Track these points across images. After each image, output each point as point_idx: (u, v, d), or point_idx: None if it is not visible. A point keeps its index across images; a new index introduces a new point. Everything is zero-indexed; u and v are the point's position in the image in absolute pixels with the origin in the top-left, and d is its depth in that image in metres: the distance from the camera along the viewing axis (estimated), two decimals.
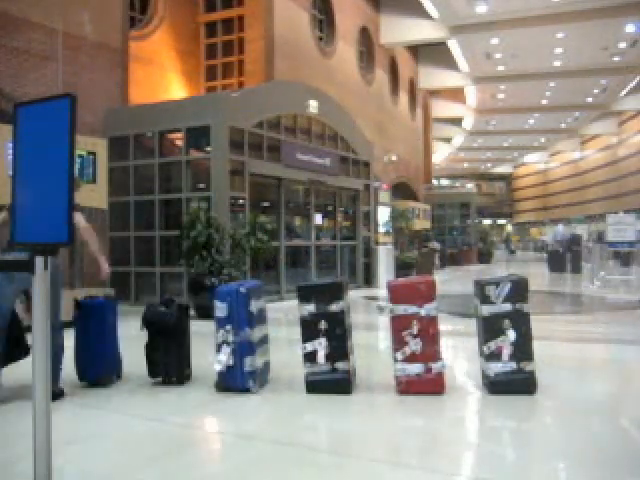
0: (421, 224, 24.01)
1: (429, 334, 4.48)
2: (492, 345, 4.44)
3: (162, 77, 14.74)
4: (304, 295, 4.59)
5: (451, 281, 17.57)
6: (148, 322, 4.79)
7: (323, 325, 4.52)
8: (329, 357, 4.51)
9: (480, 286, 4.53)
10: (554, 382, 4.91)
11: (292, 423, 4.00)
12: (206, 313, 8.02)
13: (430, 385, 4.48)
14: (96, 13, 11.18)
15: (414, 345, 4.46)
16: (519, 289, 4.47)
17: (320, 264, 13.66)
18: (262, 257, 10.73)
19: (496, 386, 4.44)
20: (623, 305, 11.16)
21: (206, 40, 16.19)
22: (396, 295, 4.55)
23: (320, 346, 4.50)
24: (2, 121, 7.71)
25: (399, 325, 4.51)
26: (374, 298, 12.51)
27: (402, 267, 15.83)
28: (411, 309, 4.48)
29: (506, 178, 66.13)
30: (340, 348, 4.53)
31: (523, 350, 4.42)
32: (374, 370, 5.71)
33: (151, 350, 4.80)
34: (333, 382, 4.52)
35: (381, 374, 5.18)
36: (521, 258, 37.76)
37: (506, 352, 4.41)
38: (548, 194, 56.76)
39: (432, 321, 4.50)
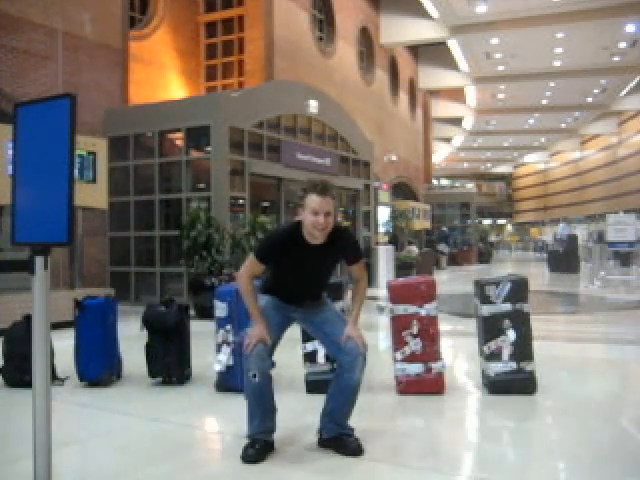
0: (421, 224, 24.01)
1: (429, 334, 4.48)
2: (492, 345, 4.44)
3: (162, 77, 14.75)
4: None
5: (451, 281, 17.57)
6: (148, 322, 4.79)
7: None
8: (329, 357, 4.50)
9: (480, 286, 4.53)
10: (554, 382, 4.91)
11: (292, 423, 3.99)
12: (206, 313, 8.02)
13: (430, 385, 4.47)
14: (96, 13, 11.19)
15: (414, 345, 4.46)
16: (519, 289, 4.47)
17: None
18: None
19: (496, 386, 4.44)
20: (623, 305, 11.16)
21: (206, 40, 16.20)
22: (396, 295, 4.55)
23: (320, 346, 4.50)
24: (2, 121, 7.71)
25: (399, 325, 4.51)
26: (374, 298, 12.49)
27: (402, 267, 15.82)
28: (411, 309, 4.48)
29: (506, 178, 66.09)
30: None
31: (523, 350, 4.42)
32: (374, 370, 5.70)
33: (151, 350, 4.80)
34: (325, 381, 4.51)
35: (381, 374, 5.18)
36: (521, 258, 37.76)
37: (506, 352, 4.41)
38: (548, 194, 56.75)
39: (432, 321, 4.50)
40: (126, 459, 3.33)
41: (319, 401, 4.39)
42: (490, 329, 4.47)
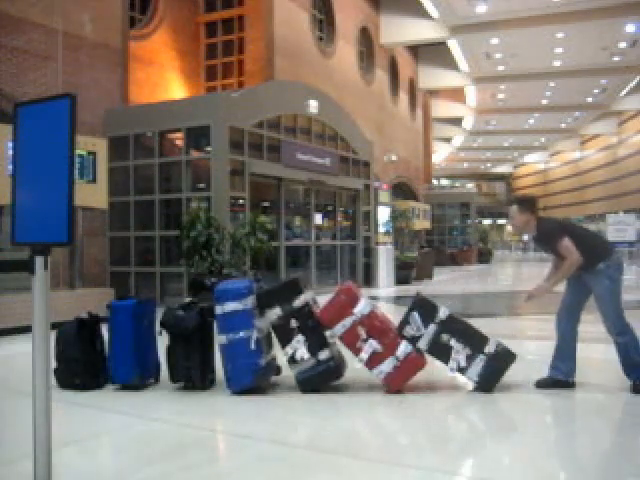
0: (421, 224, 24.00)
1: (377, 328, 4.52)
2: (459, 360, 4.51)
3: (162, 77, 14.74)
4: (266, 301, 4.60)
5: (451, 281, 17.57)
6: (165, 327, 4.68)
7: (294, 323, 4.55)
8: (310, 351, 4.52)
9: (400, 330, 4.59)
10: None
11: (292, 423, 4.00)
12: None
13: (411, 369, 4.50)
14: (96, 13, 11.18)
15: (370, 347, 4.47)
16: (425, 309, 4.59)
17: (320, 264, 13.65)
18: (262, 257, 10.73)
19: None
20: (623, 305, 11.12)
21: (206, 40, 16.19)
22: (328, 320, 4.56)
23: (299, 344, 4.52)
24: (2, 121, 7.70)
25: (350, 340, 4.53)
26: (374, 298, 12.52)
27: (402, 267, 15.81)
28: (348, 321, 4.50)
29: (506, 178, 66.07)
30: (317, 339, 4.55)
31: (480, 343, 4.53)
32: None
33: (172, 354, 4.69)
34: (322, 373, 4.52)
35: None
36: (521, 258, 37.76)
37: (478, 361, 4.49)
38: (548, 194, 56.73)
39: (371, 316, 4.53)
40: (126, 459, 3.33)
41: (318, 401, 4.40)
42: (442, 352, 4.54)
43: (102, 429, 3.85)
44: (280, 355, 4.98)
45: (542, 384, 4.61)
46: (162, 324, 4.69)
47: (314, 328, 4.56)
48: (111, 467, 3.23)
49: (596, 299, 4.59)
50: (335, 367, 4.56)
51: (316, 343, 4.54)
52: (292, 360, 4.55)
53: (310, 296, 4.74)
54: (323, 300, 4.77)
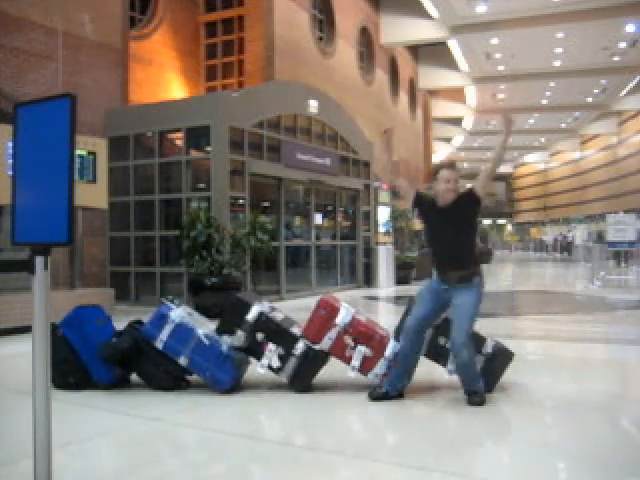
0: (421, 224, 24.00)
1: (362, 333, 4.52)
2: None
3: (162, 77, 14.75)
4: (227, 328, 4.63)
5: None
6: (110, 360, 4.64)
7: (260, 336, 4.57)
8: (286, 351, 4.54)
9: (397, 335, 4.58)
10: (554, 382, 4.91)
11: (290, 423, 4.00)
12: (206, 313, 8.01)
13: None
14: (96, 13, 11.18)
15: (359, 353, 4.48)
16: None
17: (320, 264, 13.65)
18: (262, 257, 10.73)
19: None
20: (623, 305, 11.16)
21: (206, 40, 16.20)
22: (314, 336, 4.56)
23: (273, 352, 4.53)
24: (2, 121, 7.70)
25: (338, 351, 4.54)
26: (374, 298, 12.53)
27: (402, 267, 15.80)
28: (332, 333, 4.51)
29: (506, 178, 66.10)
30: (286, 338, 4.58)
31: (477, 344, 4.51)
32: None
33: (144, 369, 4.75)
34: (304, 363, 4.54)
35: None
36: (521, 258, 37.78)
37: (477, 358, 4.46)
38: (548, 194, 56.74)
39: (354, 323, 4.54)
40: (126, 459, 3.33)
41: (316, 401, 4.40)
42: (439, 356, 4.55)
43: (102, 429, 3.85)
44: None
45: (376, 396, 4.31)
46: (106, 360, 4.61)
47: (278, 332, 4.60)
48: (111, 467, 3.23)
49: (456, 308, 4.17)
50: (315, 352, 4.56)
51: (287, 343, 4.57)
52: (274, 369, 4.57)
53: (263, 307, 4.75)
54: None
